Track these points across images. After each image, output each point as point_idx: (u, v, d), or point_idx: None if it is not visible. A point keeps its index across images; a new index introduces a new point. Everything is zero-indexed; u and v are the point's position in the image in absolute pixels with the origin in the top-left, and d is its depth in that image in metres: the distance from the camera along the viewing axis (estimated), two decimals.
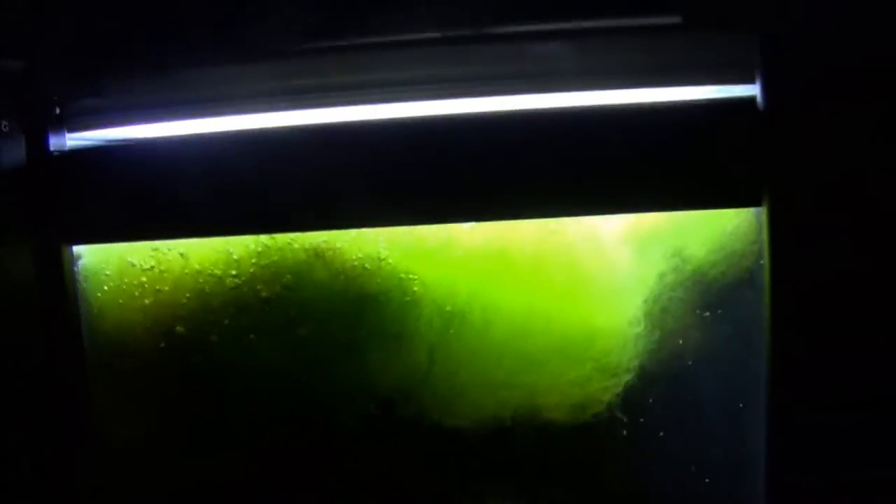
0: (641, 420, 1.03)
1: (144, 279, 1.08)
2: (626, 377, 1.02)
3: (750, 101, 0.91)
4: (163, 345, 1.08)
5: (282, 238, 1.05)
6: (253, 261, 1.06)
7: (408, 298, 1.04)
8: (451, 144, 0.97)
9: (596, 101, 0.98)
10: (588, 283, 1.01)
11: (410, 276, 1.03)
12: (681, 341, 1.01)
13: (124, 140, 1.09)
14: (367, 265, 1.04)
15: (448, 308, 1.03)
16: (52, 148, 1.05)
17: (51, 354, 1.04)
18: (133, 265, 1.08)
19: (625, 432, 1.03)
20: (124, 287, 1.08)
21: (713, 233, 1.01)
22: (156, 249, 1.07)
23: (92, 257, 1.08)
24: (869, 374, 0.87)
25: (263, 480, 1.09)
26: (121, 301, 1.08)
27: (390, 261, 1.04)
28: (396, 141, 0.98)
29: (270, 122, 1.02)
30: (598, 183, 0.95)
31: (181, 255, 1.07)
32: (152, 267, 1.07)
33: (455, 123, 0.98)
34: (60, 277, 1.05)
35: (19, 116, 1.05)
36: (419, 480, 1.08)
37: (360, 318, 1.04)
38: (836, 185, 0.86)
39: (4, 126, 1.04)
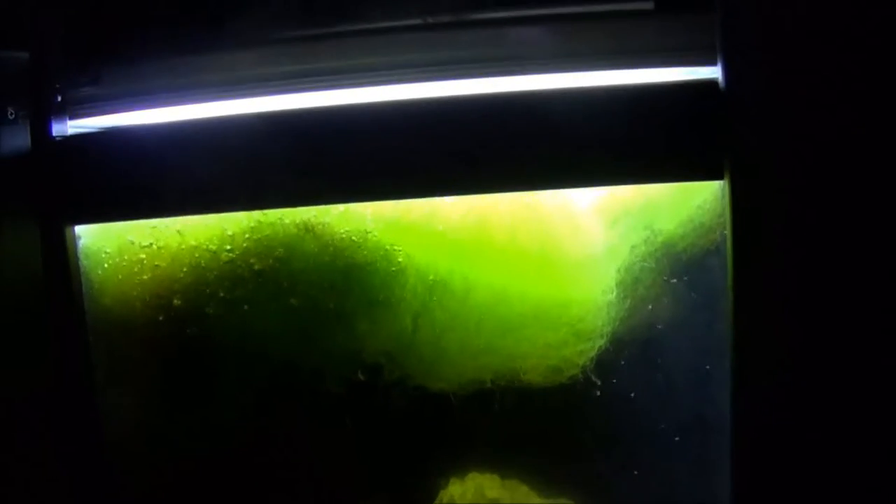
0: (614, 381, 1.08)
1: (143, 256, 1.12)
2: (600, 342, 1.07)
3: (713, 81, 0.95)
4: (161, 317, 1.13)
5: (273, 214, 1.09)
6: (246, 236, 1.10)
7: (393, 268, 1.08)
8: (431, 125, 1.01)
9: (570, 83, 1.03)
10: (563, 253, 1.06)
11: (395, 247, 1.08)
12: (651, 308, 1.07)
13: (122, 126, 1.13)
14: (354, 238, 1.09)
15: (431, 277, 1.08)
16: (54, 133, 1.10)
17: (55, 327, 1.09)
18: (132, 243, 1.13)
19: (598, 393, 1.08)
20: (124, 263, 1.13)
21: (683, 207, 1.06)
22: (154, 227, 1.12)
23: (92, 236, 1.13)
24: (824, 336, 0.91)
25: (257, 442, 1.14)
26: (120, 276, 1.13)
27: (376, 233, 1.08)
28: (380, 122, 1.02)
29: (260, 106, 1.07)
30: (571, 158, 1.00)
31: (178, 232, 1.11)
32: (151, 244, 1.12)
33: (435, 105, 1.03)
34: (64, 255, 1.09)
35: (24, 104, 1.10)
36: (404, 439, 1.13)
37: (348, 287, 1.09)
38: (790, 159, 0.91)
39: (11, 113, 1.09)
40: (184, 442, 1.16)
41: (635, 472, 1.10)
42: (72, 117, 1.12)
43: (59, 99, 1.11)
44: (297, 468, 1.15)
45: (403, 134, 1.02)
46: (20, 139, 1.10)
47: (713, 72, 0.95)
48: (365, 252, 1.08)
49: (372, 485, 1.15)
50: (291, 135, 1.04)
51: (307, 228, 1.09)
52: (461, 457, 1.14)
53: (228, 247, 1.11)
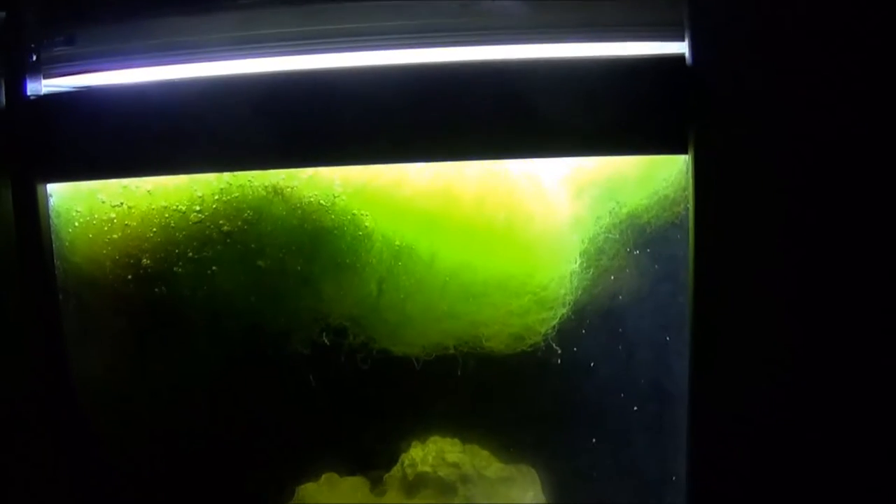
0: (575, 350, 1.10)
1: (114, 215, 1.13)
2: (562, 310, 1.09)
3: (680, 56, 0.96)
4: (130, 276, 1.14)
5: (242, 176, 1.10)
6: (216, 197, 1.11)
7: (359, 233, 1.09)
8: (402, 92, 1.02)
9: (539, 55, 1.04)
10: (528, 221, 1.08)
11: (362, 212, 1.09)
12: (613, 278, 1.08)
13: (96, 86, 1.13)
14: (322, 202, 1.10)
15: (397, 242, 1.09)
16: (28, 92, 1.10)
17: (25, 284, 1.09)
18: (103, 202, 1.13)
19: (559, 361, 1.10)
20: (94, 222, 1.13)
21: (649, 180, 1.08)
22: (124, 187, 1.12)
23: (63, 195, 1.13)
24: (782, 308, 0.93)
25: (220, 403, 1.16)
26: (91, 235, 1.14)
27: (344, 198, 1.09)
28: (350, 88, 1.03)
29: (233, 68, 1.07)
30: (537, 129, 1.00)
31: (148, 192, 1.12)
32: (121, 203, 1.12)
33: (406, 72, 1.03)
34: (35, 213, 1.09)
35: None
36: (366, 403, 1.15)
37: (315, 250, 1.10)
38: (755, 135, 0.92)
39: None
40: (150, 399, 1.17)
41: (594, 440, 1.12)
42: (46, 76, 1.12)
43: (34, 58, 1.11)
44: (260, 429, 1.17)
45: (372, 100, 1.02)
46: None
47: (681, 47, 0.96)
48: (332, 216, 1.09)
49: (334, 447, 1.17)
50: (264, 98, 1.04)
51: (276, 191, 1.10)
52: (423, 421, 1.16)
53: (198, 208, 1.11)
